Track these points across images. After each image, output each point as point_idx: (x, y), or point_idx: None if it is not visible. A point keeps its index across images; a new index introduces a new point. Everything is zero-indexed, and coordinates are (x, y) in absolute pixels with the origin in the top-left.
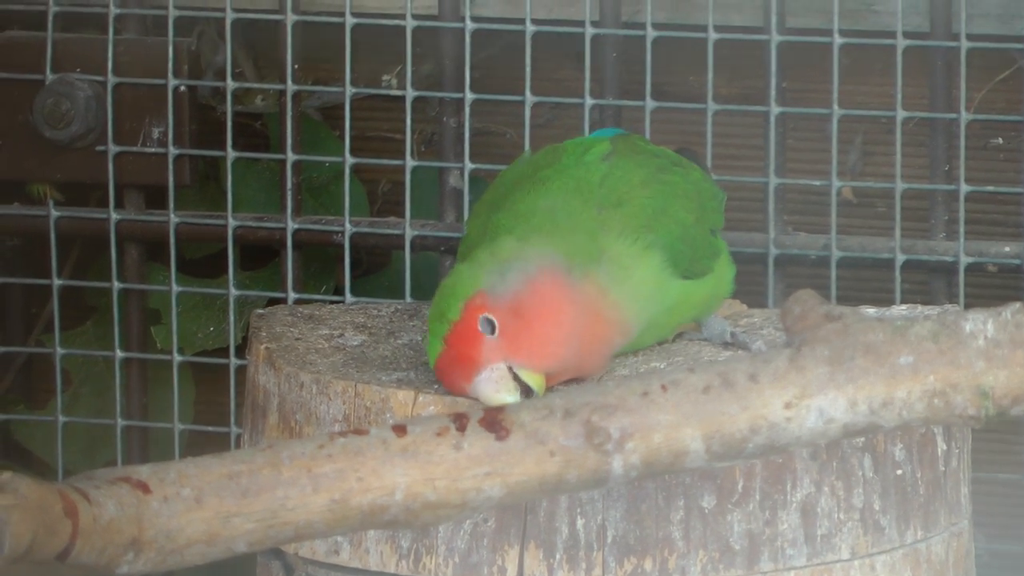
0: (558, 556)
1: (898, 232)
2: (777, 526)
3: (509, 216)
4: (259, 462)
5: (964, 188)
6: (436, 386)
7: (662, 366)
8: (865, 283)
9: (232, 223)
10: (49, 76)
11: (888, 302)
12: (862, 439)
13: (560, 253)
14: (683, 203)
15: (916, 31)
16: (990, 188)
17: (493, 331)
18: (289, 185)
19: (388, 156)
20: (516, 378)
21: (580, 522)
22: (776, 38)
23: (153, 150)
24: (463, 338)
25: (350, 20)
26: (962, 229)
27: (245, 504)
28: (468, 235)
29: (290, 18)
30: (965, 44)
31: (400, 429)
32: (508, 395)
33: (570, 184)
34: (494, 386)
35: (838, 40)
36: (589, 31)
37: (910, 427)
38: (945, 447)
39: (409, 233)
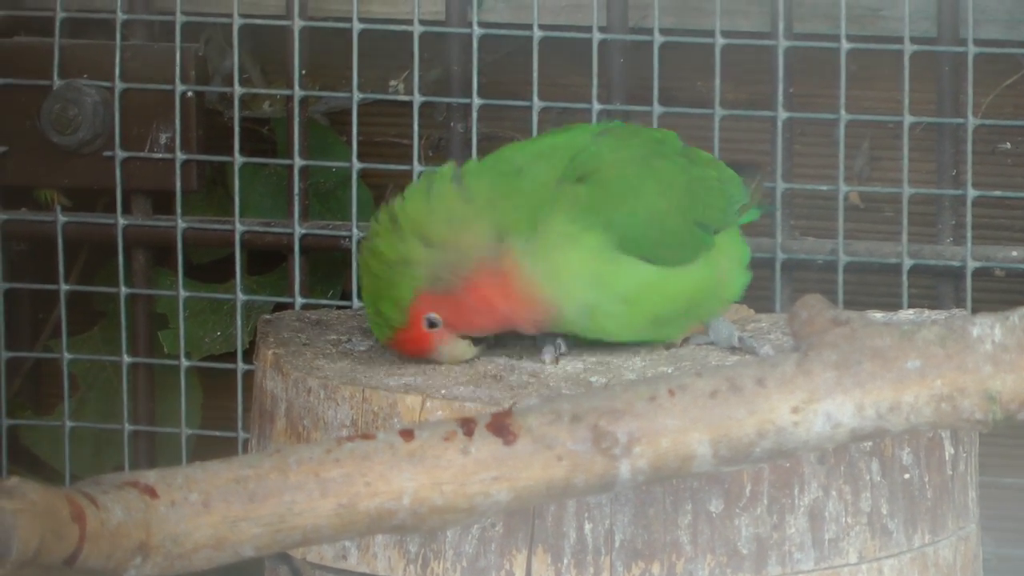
0: (566, 561)
1: (905, 237)
2: (785, 530)
3: (484, 162)
4: (266, 467)
5: (971, 193)
6: (444, 391)
7: (669, 371)
8: (872, 288)
9: (239, 228)
10: (57, 82)
11: (895, 307)
12: (870, 443)
13: (491, 224)
14: (661, 189)
15: (923, 36)
16: (997, 193)
17: (436, 324)
18: (296, 190)
19: (395, 161)
20: (465, 336)
21: (588, 527)
22: (783, 43)
23: (160, 155)
24: (413, 339)
25: (357, 25)
26: (969, 234)
27: (252, 509)
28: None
29: (297, 23)
30: (972, 49)
31: (407, 434)
32: (469, 354)
33: (549, 149)
34: (454, 354)
35: (845, 45)
36: (596, 36)
37: (917, 431)
38: (953, 451)
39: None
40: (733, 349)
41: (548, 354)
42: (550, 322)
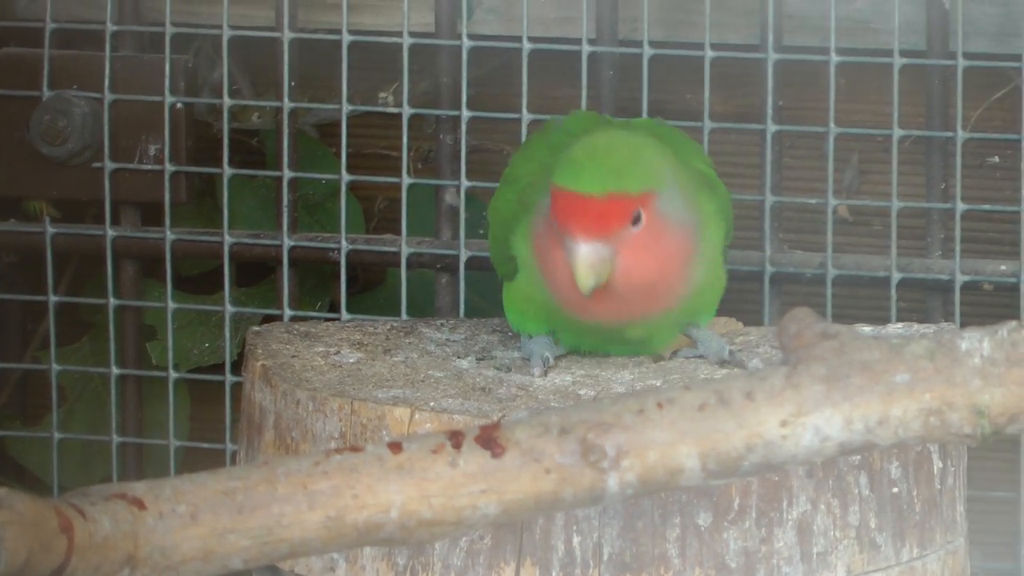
0: (554, 573)
1: (894, 250)
2: (773, 544)
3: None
4: (255, 479)
5: (960, 207)
6: (432, 404)
7: (658, 384)
8: (861, 301)
9: (228, 240)
10: (46, 93)
11: (884, 320)
12: (858, 457)
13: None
14: (725, 193)
15: (913, 49)
16: (986, 207)
17: (639, 222)
18: (285, 202)
19: (384, 173)
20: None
21: (576, 539)
22: (773, 56)
23: (150, 167)
24: (610, 209)
25: (347, 37)
26: (958, 247)
27: (241, 521)
28: (527, 169)
29: (287, 35)
30: (962, 63)
31: (396, 446)
32: (595, 280)
33: (658, 131)
34: (593, 265)
35: (835, 58)
36: (586, 49)
37: (906, 445)
38: (941, 465)
39: (405, 250)
40: (723, 363)
41: (537, 367)
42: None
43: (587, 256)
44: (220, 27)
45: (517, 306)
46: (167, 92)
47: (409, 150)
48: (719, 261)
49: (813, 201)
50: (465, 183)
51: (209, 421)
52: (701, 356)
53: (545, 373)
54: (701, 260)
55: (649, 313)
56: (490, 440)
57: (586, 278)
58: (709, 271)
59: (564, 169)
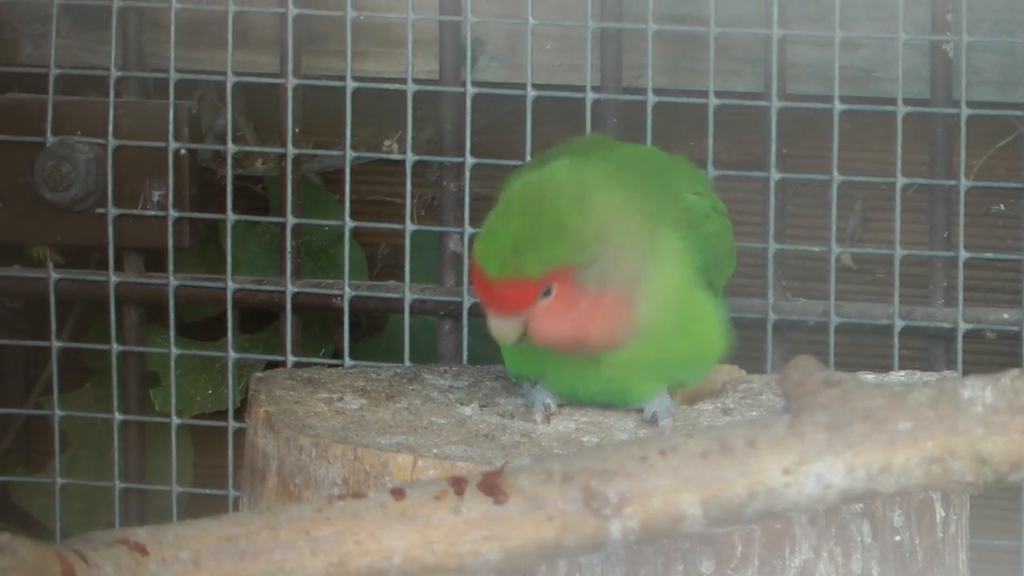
0: None
1: (896, 298)
2: None
3: (610, 162)
4: (257, 525)
5: (963, 255)
6: (435, 450)
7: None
8: (863, 349)
9: (231, 286)
10: (50, 138)
11: (886, 368)
12: (861, 505)
13: (641, 243)
14: (720, 235)
15: (916, 98)
16: (989, 255)
17: (549, 294)
18: (289, 248)
19: (388, 220)
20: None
21: None
22: (777, 104)
23: (153, 213)
24: (518, 291)
25: (351, 84)
26: (961, 296)
27: (243, 567)
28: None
29: (291, 82)
30: (965, 111)
31: (398, 493)
32: (512, 339)
33: (653, 158)
34: (504, 333)
35: (838, 107)
36: (590, 96)
37: (908, 493)
38: (943, 513)
39: (408, 297)
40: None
41: (539, 413)
42: (613, 349)
43: (497, 325)
44: (224, 73)
45: (514, 354)
46: (171, 138)
47: (413, 197)
48: (693, 294)
49: (816, 249)
50: (469, 230)
51: (212, 467)
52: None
53: (547, 420)
54: (649, 300)
55: (601, 349)
56: (493, 487)
57: (502, 340)
58: (667, 306)
59: (481, 237)
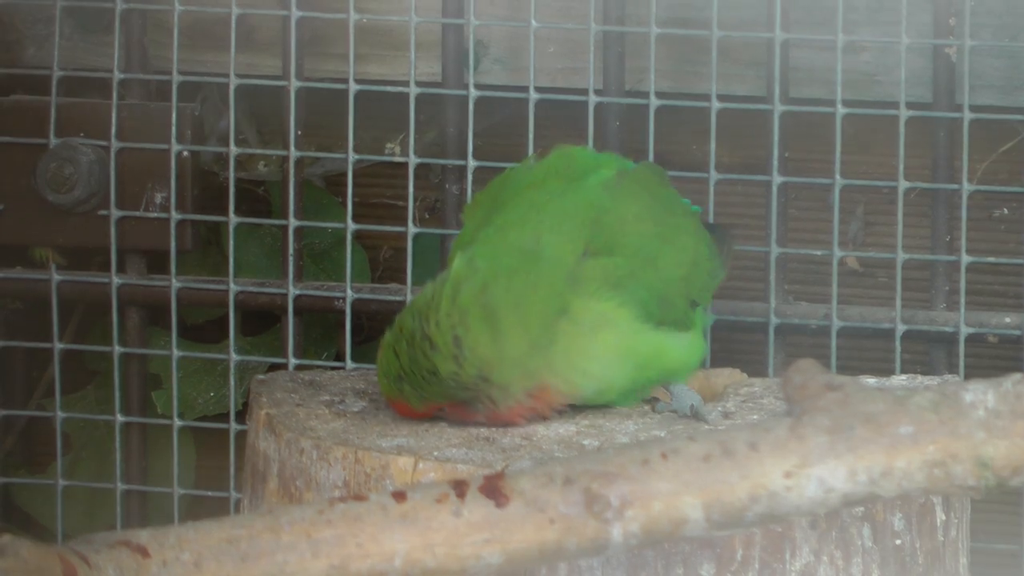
0: None
1: (899, 302)
2: None
3: (494, 244)
4: (258, 527)
5: (965, 259)
6: (436, 453)
7: (662, 434)
8: (865, 353)
9: (233, 288)
10: (53, 140)
11: (888, 372)
12: (862, 508)
13: (524, 347)
14: (677, 257)
15: (919, 101)
16: (991, 259)
17: (442, 410)
18: (291, 251)
19: (390, 223)
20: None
21: None
22: (779, 108)
23: (155, 215)
24: (414, 411)
25: (353, 87)
26: (963, 300)
27: (244, 569)
28: (465, 229)
29: (293, 84)
30: (968, 115)
31: (400, 495)
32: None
33: (563, 214)
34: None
35: (841, 110)
36: (592, 99)
37: (910, 497)
38: (944, 517)
39: (411, 299)
40: (687, 416)
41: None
42: (574, 397)
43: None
44: (227, 76)
45: None
46: (173, 140)
47: (415, 200)
48: (636, 340)
49: (818, 252)
50: None
51: (213, 469)
52: (674, 410)
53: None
54: (580, 368)
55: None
56: (494, 490)
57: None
58: (600, 368)
59: (381, 347)
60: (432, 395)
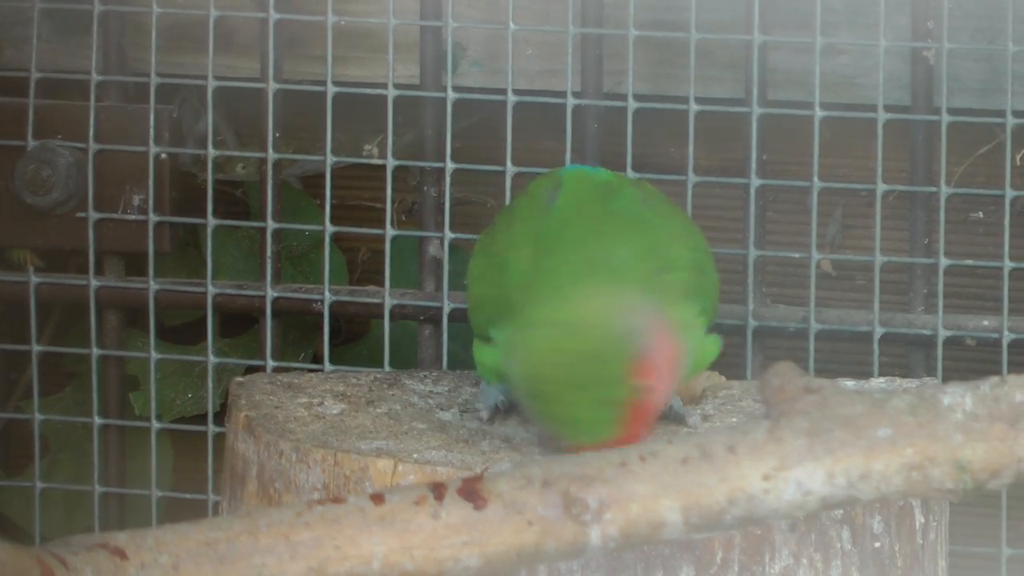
0: None
1: (877, 305)
2: None
3: (576, 263)
4: (237, 529)
5: (944, 262)
6: (416, 455)
7: None
8: (843, 356)
9: (211, 290)
10: (31, 142)
11: (866, 375)
12: (840, 511)
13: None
14: (711, 263)
15: (897, 104)
16: (969, 262)
17: (644, 392)
18: (269, 253)
19: (368, 225)
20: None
21: None
22: (757, 111)
23: (134, 217)
24: (636, 416)
25: (332, 89)
26: (941, 303)
27: (222, 571)
28: (514, 270)
29: (272, 86)
30: (946, 118)
31: (378, 498)
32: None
33: (627, 238)
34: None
35: (819, 113)
36: (571, 102)
37: (888, 500)
38: (923, 520)
39: (389, 302)
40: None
41: (485, 411)
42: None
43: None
44: (205, 78)
45: (487, 363)
46: (151, 142)
47: (393, 202)
48: (707, 345)
49: (796, 255)
50: (449, 235)
51: (192, 472)
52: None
53: (492, 418)
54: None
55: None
56: (473, 492)
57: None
58: (700, 352)
59: (566, 432)
60: (613, 370)
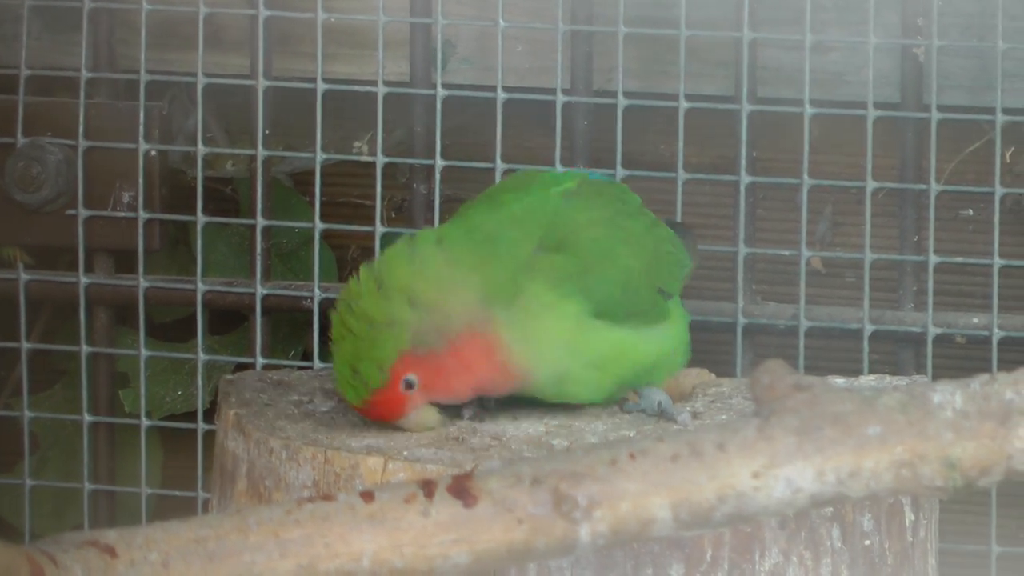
0: None
1: (867, 302)
2: None
3: (459, 227)
4: (226, 527)
5: (933, 259)
6: (406, 453)
7: (631, 434)
8: (833, 353)
9: (201, 288)
10: (20, 140)
11: (856, 372)
12: (831, 509)
13: (477, 289)
14: (631, 251)
15: (887, 102)
16: (959, 259)
17: (413, 386)
18: (259, 250)
19: (358, 222)
20: (436, 404)
21: None
22: (747, 107)
23: (123, 214)
24: (388, 400)
25: (321, 86)
26: (930, 300)
27: (212, 569)
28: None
29: (261, 83)
30: (936, 115)
31: (368, 495)
32: (434, 423)
33: (522, 213)
34: (421, 421)
35: (809, 110)
36: (560, 99)
37: (878, 497)
38: (913, 517)
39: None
40: (653, 416)
41: (467, 409)
42: (521, 388)
43: (408, 426)
44: (195, 75)
45: None
46: (141, 140)
47: (383, 199)
48: (588, 336)
49: (786, 252)
50: None
51: (181, 469)
52: (642, 409)
53: (475, 416)
54: (532, 345)
55: (506, 390)
56: (462, 490)
57: (427, 429)
58: (556, 342)
59: (335, 363)
60: (382, 355)
